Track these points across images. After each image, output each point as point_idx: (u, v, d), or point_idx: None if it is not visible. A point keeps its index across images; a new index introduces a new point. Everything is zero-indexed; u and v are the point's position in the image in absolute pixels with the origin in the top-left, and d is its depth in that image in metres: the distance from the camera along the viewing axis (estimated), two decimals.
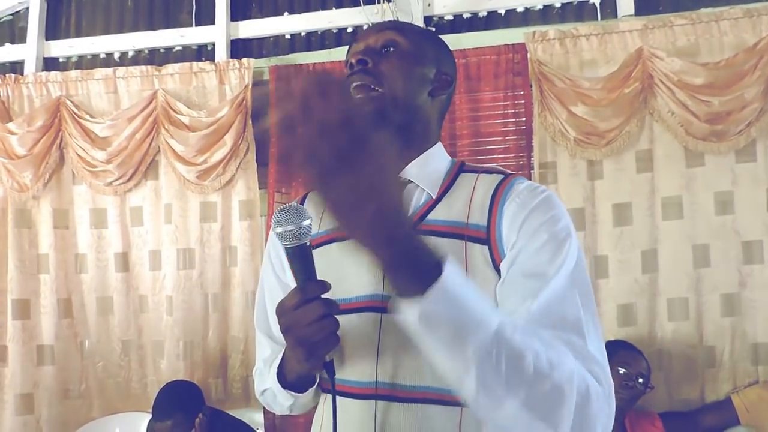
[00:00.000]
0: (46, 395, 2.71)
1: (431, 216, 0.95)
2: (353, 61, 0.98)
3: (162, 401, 2.22)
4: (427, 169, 1.00)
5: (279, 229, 0.82)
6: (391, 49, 0.99)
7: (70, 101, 2.77)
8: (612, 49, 2.39)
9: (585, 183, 2.39)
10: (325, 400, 0.99)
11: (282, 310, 0.83)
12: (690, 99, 2.26)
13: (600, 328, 0.85)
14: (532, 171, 2.43)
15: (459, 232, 0.92)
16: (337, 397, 0.93)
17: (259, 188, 2.63)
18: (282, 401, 1.00)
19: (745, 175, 2.28)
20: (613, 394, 0.79)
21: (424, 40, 1.04)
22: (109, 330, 2.74)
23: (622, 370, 2.10)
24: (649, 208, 2.34)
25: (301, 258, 0.83)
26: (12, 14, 3.11)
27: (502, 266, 0.90)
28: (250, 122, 2.61)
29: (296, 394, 0.96)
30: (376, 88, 0.95)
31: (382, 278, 0.91)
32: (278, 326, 0.96)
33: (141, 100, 2.71)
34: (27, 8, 3.03)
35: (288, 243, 0.82)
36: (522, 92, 2.45)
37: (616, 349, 2.20)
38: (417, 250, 0.68)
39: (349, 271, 0.94)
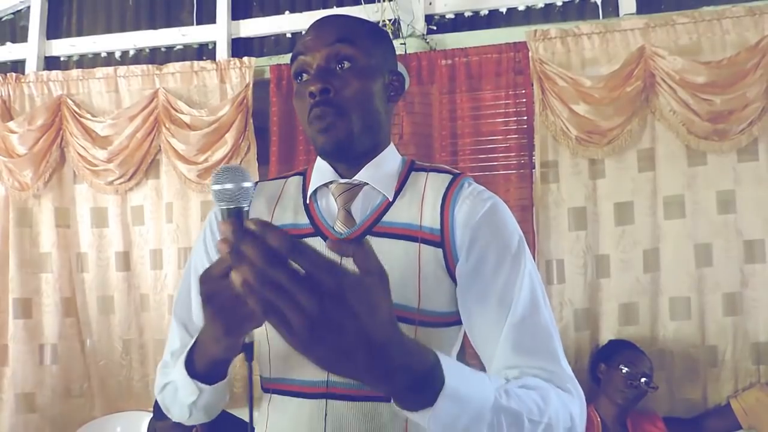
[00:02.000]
0: (48, 394, 2.71)
1: (386, 218, 0.96)
2: (314, 90, 0.92)
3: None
4: (380, 171, 1.00)
5: (217, 187, 0.77)
6: (346, 64, 0.94)
7: (71, 100, 2.77)
8: (614, 48, 2.38)
9: (587, 182, 2.38)
10: (270, 402, 0.96)
11: (207, 277, 0.75)
12: (692, 98, 2.25)
13: (556, 328, 0.91)
14: (533, 170, 2.42)
15: (413, 235, 0.94)
16: (288, 397, 0.92)
17: None
18: (184, 397, 0.91)
19: (747, 174, 2.27)
20: (584, 397, 0.86)
21: (374, 44, 0.99)
22: (111, 329, 2.74)
23: (625, 370, 2.10)
24: (651, 207, 2.33)
25: (236, 221, 0.75)
26: (13, 13, 3.11)
27: (457, 272, 0.92)
28: (251, 121, 2.61)
29: (203, 385, 0.88)
30: (343, 120, 0.93)
31: None
32: (200, 314, 0.91)
33: (142, 99, 2.71)
34: (28, 7, 3.03)
35: (225, 204, 0.77)
36: (523, 91, 2.44)
37: (620, 349, 2.20)
38: (417, 374, 0.65)
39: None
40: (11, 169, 2.75)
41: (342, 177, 1.01)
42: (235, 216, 0.77)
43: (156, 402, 2.20)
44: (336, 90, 0.93)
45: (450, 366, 0.67)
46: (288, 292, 0.55)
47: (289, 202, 1.04)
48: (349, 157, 0.99)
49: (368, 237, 0.94)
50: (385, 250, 0.91)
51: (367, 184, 0.99)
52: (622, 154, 2.36)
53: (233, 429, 2.26)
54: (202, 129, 2.60)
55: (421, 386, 0.65)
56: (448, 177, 1.00)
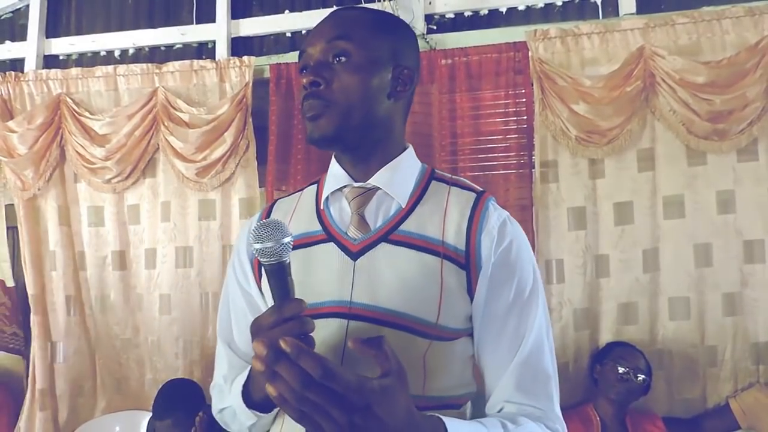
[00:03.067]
0: (57, 392, 2.73)
1: (403, 227, 0.95)
2: (305, 82, 0.94)
3: (163, 399, 2.21)
4: (396, 176, 0.99)
5: (258, 246, 0.80)
6: (343, 59, 0.94)
7: (71, 99, 2.76)
8: (613, 48, 2.38)
9: (586, 182, 2.38)
10: (283, 415, 0.96)
11: (258, 329, 0.81)
12: (692, 97, 2.25)
13: (556, 368, 0.98)
14: (533, 170, 2.42)
15: (435, 249, 0.93)
16: None
17: (259, 186, 2.62)
18: (243, 420, 0.96)
19: (747, 174, 2.27)
20: None
21: (378, 37, 0.97)
22: (108, 328, 2.73)
23: (615, 365, 2.13)
24: (651, 207, 2.33)
25: (279, 275, 0.81)
26: (12, 12, 3.11)
27: (475, 298, 0.94)
28: (250, 120, 2.60)
29: (261, 414, 0.93)
30: (330, 112, 0.93)
31: (350, 285, 0.92)
32: (240, 336, 1.02)
33: (141, 98, 2.70)
34: (27, 6, 3.03)
35: (267, 260, 0.80)
36: (523, 90, 2.44)
37: (613, 348, 2.22)
38: None
39: (317, 276, 0.94)
40: (12, 168, 2.75)
41: (356, 181, 1.00)
42: (277, 270, 0.81)
43: (155, 401, 2.22)
44: (327, 83, 0.93)
45: (456, 428, 0.79)
46: (320, 407, 0.68)
47: (303, 212, 1.03)
48: (340, 149, 0.99)
49: (384, 244, 0.94)
50: (402, 259, 0.92)
51: (381, 189, 0.98)
52: (622, 153, 2.36)
53: None
54: (201, 127, 2.59)
55: None
56: (472, 195, 0.99)
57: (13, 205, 2.82)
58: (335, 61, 0.94)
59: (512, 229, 0.97)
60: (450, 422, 0.78)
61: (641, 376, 2.12)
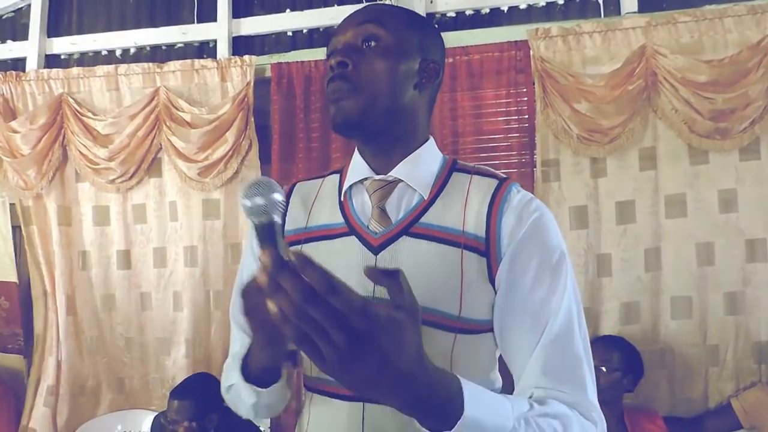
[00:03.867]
0: (59, 391, 2.74)
1: (425, 219, 0.94)
2: (333, 62, 0.93)
3: (188, 382, 2.20)
4: (418, 168, 0.98)
5: (247, 202, 0.77)
6: (372, 44, 0.93)
7: (72, 98, 2.77)
8: (615, 47, 2.37)
9: (588, 180, 2.38)
10: (311, 400, 0.97)
11: (247, 292, 0.81)
12: (694, 96, 2.24)
13: (590, 353, 0.91)
14: (534, 168, 2.42)
15: (455, 240, 0.91)
16: (327, 398, 0.92)
17: None
18: (245, 398, 0.95)
19: (749, 173, 2.27)
20: (605, 427, 0.88)
21: (408, 28, 0.97)
22: (112, 327, 2.74)
23: None
24: (653, 206, 2.33)
25: (269, 236, 0.77)
26: (14, 11, 3.11)
27: (496, 282, 0.91)
28: (252, 119, 2.60)
29: (259, 389, 0.92)
30: (356, 95, 0.91)
31: (373, 285, 0.88)
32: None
33: (143, 98, 2.70)
34: (29, 5, 3.03)
35: (256, 218, 0.77)
36: (525, 89, 2.44)
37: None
38: (439, 403, 0.69)
39: (339, 271, 0.90)
40: (15, 168, 2.76)
41: (377, 173, 0.99)
42: (268, 230, 0.77)
43: (181, 383, 2.20)
44: (354, 65, 0.92)
45: (472, 395, 0.70)
46: (320, 327, 0.60)
47: (325, 201, 1.02)
48: (363, 136, 0.98)
49: (405, 237, 0.92)
50: (423, 252, 0.91)
51: (402, 181, 0.97)
52: (624, 152, 2.35)
53: (239, 427, 2.21)
54: (203, 127, 2.60)
55: (442, 414, 0.68)
56: (494, 182, 0.96)
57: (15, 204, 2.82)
58: (365, 45, 0.94)
59: (537, 206, 0.94)
60: (468, 385, 0.71)
61: (605, 369, 2.09)
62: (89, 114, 2.74)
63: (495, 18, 2.65)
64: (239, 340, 1.03)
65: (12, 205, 2.85)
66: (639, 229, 2.33)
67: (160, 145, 2.69)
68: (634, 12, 2.46)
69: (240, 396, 0.96)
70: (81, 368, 2.75)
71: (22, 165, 2.74)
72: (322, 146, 2.57)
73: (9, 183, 2.79)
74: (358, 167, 1.01)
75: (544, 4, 2.60)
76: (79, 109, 2.75)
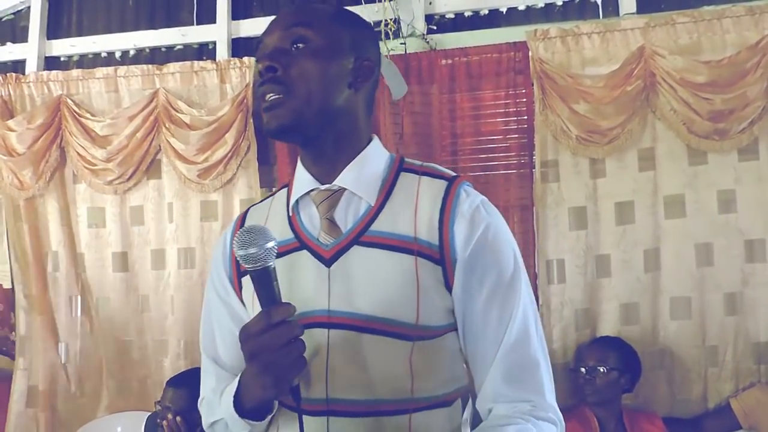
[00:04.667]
0: (57, 392, 2.73)
1: (375, 227, 0.92)
2: (261, 67, 0.90)
3: (188, 372, 2.24)
4: (363, 173, 0.95)
5: (242, 252, 0.80)
6: (301, 45, 0.91)
7: (71, 100, 2.76)
8: (614, 47, 2.37)
9: (587, 181, 2.38)
10: (279, 417, 0.95)
11: (247, 336, 0.82)
12: (692, 97, 2.24)
13: (547, 355, 0.95)
14: (533, 169, 2.42)
15: (408, 247, 0.90)
16: (289, 412, 0.91)
17: (261, 187, 2.62)
18: (237, 431, 0.93)
19: (748, 174, 2.27)
20: (564, 424, 0.93)
21: (338, 27, 0.95)
22: (110, 329, 2.74)
23: (580, 368, 2.17)
24: (652, 207, 2.32)
25: (264, 281, 0.81)
26: (13, 13, 3.11)
27: (453, 293, 0.91)
28: (251, 121, 2.61)
29: (254, 422, 0.90)
30: (288, 99, 0.89)
31: (327, 293, 0.90)
32: (225, 350, 1.00)
33: (142, 99, 2.70)
34: (28, 7, 3.02)
35: (251, 266, 0.80)
36: (523, 90, 2.44)
37: (582, 350, 2.25)
38: None
39: (294, 286, 0.92)
40: (11, 167, 2.75)
41: (322, 183, 0.96)
42: (264, 276, 0.81)
43: (180, 373, 2.25)
44: (284, 68, 0.89)
45: None
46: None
47: (276, 219, 1.00)
48: (300, 140, 0.96)
49: (356, 247, 0.91)
50: (376, 261, 0.90)
51: (347, 189, 0.95)
52: (623, 153, 2.35)
53: None
54: (202, 129, 2.59)
55: None
56: (444, 183, 0.95)
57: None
58: (293, 48, 0.91)
59: (487, 214, 0.93)
60: None
61: (603, 369, 2.10)
62: (88, 115, 2.74)
63: (494, 19, 2.65)
64: (214, 374, 1.02)
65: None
66: (638, 230, 2.33)
67: (159, 146, 2.69)
68: (633, 13, 2.46)
69: (229, 430, 0.94)
70: (79, 370, 2.75)
71: (17, 164, 2.73)
72: None
73: (3, 182, 2.78)
74: (302, 180, 0.98)
75: (543, 5, 2.60)
76: (77, 110, 2.74)
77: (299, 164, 1.00)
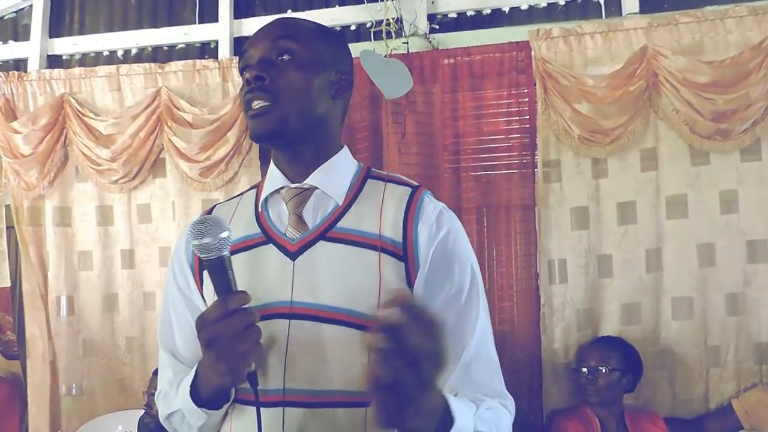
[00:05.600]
0: (48, 392, 2.72)
1: (341, 224, 0.97)
2: (249, 76, 0.96)
3: None
4: (332, 175, 1.01)
5: (196, 242, 0.82)
6: (286, 57, 0.97)
7: (74, 99, 2.76)
8: (616, 47, 2.37)
9: (589, 181, 2.38)
10: (232, 411, 0.96)
11: (203, 324, 0.83)
12: (695, 97, 2.24)
13: (494, 350, 0.99)
14: (535, 169, 2.42)
15: (373, 243, 0.94)
16: (242, 406, 0.94)
17: None
18: (193, 422, 0.95)
19: (750, 174, 2.27)
20: (514, 410, 0.97)
21: (320, 42, 1.01)
22: (114, 327, 2.74)
23: (582, 369, 2.17)
24: (654, 207, 2.32)
25: (219, 270, 0.84)
26: (16, 12, 3.11)
27: (414, 293, 0.94)
28: None
29: (210, 411, 0.92)
30: (275, 107, 0.94)
31: (290, 285, 0.93)
32: (183, 343, 1.01)
33: (144, 98, 2.71)
34: (31, 6, 3.03)
35: (206, 255, 0.82)
36: (526, 90, 2.44)
37: (582, 350, 2.26)
38: (437, 415, 0.76)
39: (258, 279, 0.95)
40: (17, 169, 2.75)
41: (293, 182, 1.01)
42: (218, 265, 0.83)
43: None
44: (271, 78, 0.95)
45: (457, 408, 0.78)
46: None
47: (241, 217, 1.04)
48: (281, 144, 1.01)
49: (322, 242, 0.95)
50: (340, 255, 0.94)
51: (318, 188, 0.99)
52: (625, 153, 2.35)
53: None
54: (204, 127, 2.60)
55: (439, 426, 0.76)
56: (408, 190, 1.00)
57: (9, 205, 2.80)
58: (279, 59, 0.97)
59: (449, 218, 0.99)
60: (450, 396, 0.80)
61: (604, 370, 2.11)
62: (91, 114, 2.74)
63: (496, 19, 2.65)
64: (171, 367, 1.03)
65: (6, 206, 2.83)
66: (640, 230, 2.33)
67: (162, 145, 2.69)
68: (636, 13, 2.46)
69: (185, 420, 0.96)
70: (80, 369, 2.75)
71: (23, 166, 2.73)
72: None
73: (9, 184, 2.78)
74: (273, 178, 1.03)
75: (546, 5, 2.60)
76: (80, 109, 2.75)
77: (272, 163, 1.06)
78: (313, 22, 1.07)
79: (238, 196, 1.12)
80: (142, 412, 2.44)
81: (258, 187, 1.08)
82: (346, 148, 1.06)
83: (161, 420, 1.04)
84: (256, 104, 0.95)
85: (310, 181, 1.00)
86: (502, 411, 0.92)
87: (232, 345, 0.82)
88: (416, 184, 1.03)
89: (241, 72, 1.01)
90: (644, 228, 2.33)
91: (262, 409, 0.88)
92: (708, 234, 2.28)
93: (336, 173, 1.01)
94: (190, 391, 0.92)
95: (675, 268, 2.29)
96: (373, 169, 1.07)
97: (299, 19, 1.06)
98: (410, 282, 0.94)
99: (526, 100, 2.44)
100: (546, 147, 2.40)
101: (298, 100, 0.95)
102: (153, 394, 2.15)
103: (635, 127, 2.32)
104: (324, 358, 0.90)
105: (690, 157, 2.31)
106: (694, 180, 2.30)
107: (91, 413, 2.71)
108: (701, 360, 2.27)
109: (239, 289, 0.86)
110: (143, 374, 2.69)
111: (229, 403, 0.94)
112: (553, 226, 2.39)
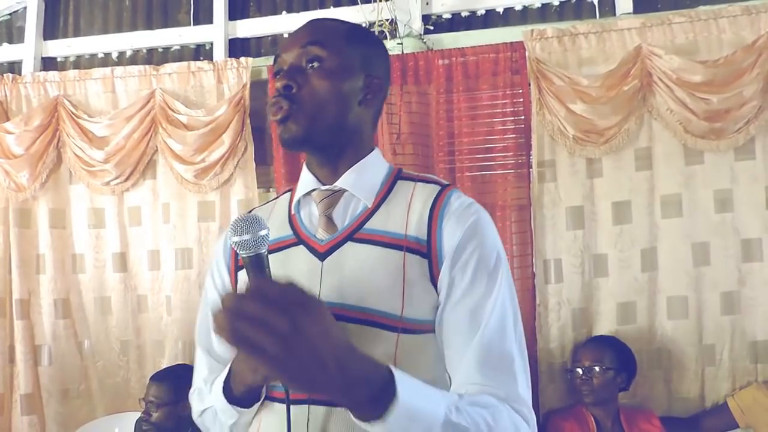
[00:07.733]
0: (45, 396, 2.71)
1: (369, 225, 0.98)
2: (278, 85, 0.97)
3: (170, 368, 2.29)
4: (363, 178, 1.02)
5: (236, 239, 0.84)
6: (315, 64, 0.98)
7: (68, 101, 2.76)
8: (610, 47, 2.38)
9: (584, 181, 2.38)
10: (261, 409, 0.97)
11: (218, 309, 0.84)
12: (689, 97, 2.25)
13: (525, 354, 0.94)
14: (530, 169, 2.42)
15: (398, 243, 0.95)
16: (271, 404, 0.95)
17: (258, 187, 2.63)
18: (225, 419, 0.97)
19: (744, 173, 2.28)
20: (536, 427, 0.91)
21: (350, 46, 1.01)
22: (108, 330, 2.74)
23: (577, 369, 2.17)
24: (649, 206, 2.33)
25: (257, 267, 0.85)
26: (10, 14, 3.10)
27: (438, 282, 0.94)
28: (248, 121, 2.60)
29: (242, 409, 0.94)
30: (301, 115, 0.96)
31: (319, 285, 0.95)
32: (219, 341, 1.02)
33: (139, 100, 2.70)
34: (25, 8, 3.02)
35: (245, 252, 0.84)
36: (520, 90, 2.44)
37: (577, 350, 2.26)
38: (372, 388, 0.72)
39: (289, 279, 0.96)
40: (8, 170, 2.74)
41: (324, 184, 1.03)
42: (256, 262, 0.85)
43: (163, 369, 2.28)
44: (299, 86, 0.97)
45: (404, 382, 0.74)
46: (260, 320, 0.65)
47: (276, 219, 1.07)
48: (310, 149, 1.03)
49: (350, 243, 0.97)
50: (366, 255, 0.95)
51: (347, 190, 1.01)
52: (620, 153, 2.36)
53: None
54: (199, 129, 2.59)
55: (375, 399, 0.72)
56: (436, 188, 1.01)
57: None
58: (308, 66, 0.98)
59: (475, 210, 0.98)
60: (399, 372, 0.74)
61: (599, 369, 2.12)
62: (85, 116, 2.73)
63: (490, 19, 2.65)
64: (206, 365, 1.06)
65: None
66: (635, 230, 2.34)
67: (156, 147, 2.69)
68: (629, 13, 2.47)
69: (217, 418, 0.98)
70: (70, 372, 2.73)
71: (15, 167, 2.72)
72: None
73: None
74: (306, 181, 1.06)
75: (540, 5, 2.61)
76: (74, 111, 2.74)
77: (305, 167, 1.08)
78: (348, 23, 1.07)
79: (273, 200, 1.15)
80: (139, 414, 2.44)
81: (292, 190, 1.11)
82: (377, 150, 1.08)
83: (194, 417, 1.06)
84: (280, 111, 0.96)
85: (340, 183, 1.02)
86: (504, 414, 0.85)
87: None
88: (446, 182, 1.04)
89: (274, 75, 1.02)
90: (639, 227, 2.34)
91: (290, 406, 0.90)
92: (703, 233, 2.29)
93: (366, 175, 1.03)
94: (223, 389, 0.94)
95: (670, 267, 2.29)
96: (404, 170, 1.08)
97: (332, 21, 1.06)
98: (433, 278, 0.94)
99: (521, 100, 2.44)
100: (541, 147, 2.41)
101: (322, 109, 0.97)
102: (150, 402, 2.17)
103: (629, 127, 2.33)
104: None
105: (684, 157, 2.31)
106: (688, 179, 2.30)
107: (88, 416, 2.71)
108: (696, 359, 2.27)
109: None
110: (139, 377, 2.69)
111: (260, 402, 0.96)
112: (549, 226, 2.39)
